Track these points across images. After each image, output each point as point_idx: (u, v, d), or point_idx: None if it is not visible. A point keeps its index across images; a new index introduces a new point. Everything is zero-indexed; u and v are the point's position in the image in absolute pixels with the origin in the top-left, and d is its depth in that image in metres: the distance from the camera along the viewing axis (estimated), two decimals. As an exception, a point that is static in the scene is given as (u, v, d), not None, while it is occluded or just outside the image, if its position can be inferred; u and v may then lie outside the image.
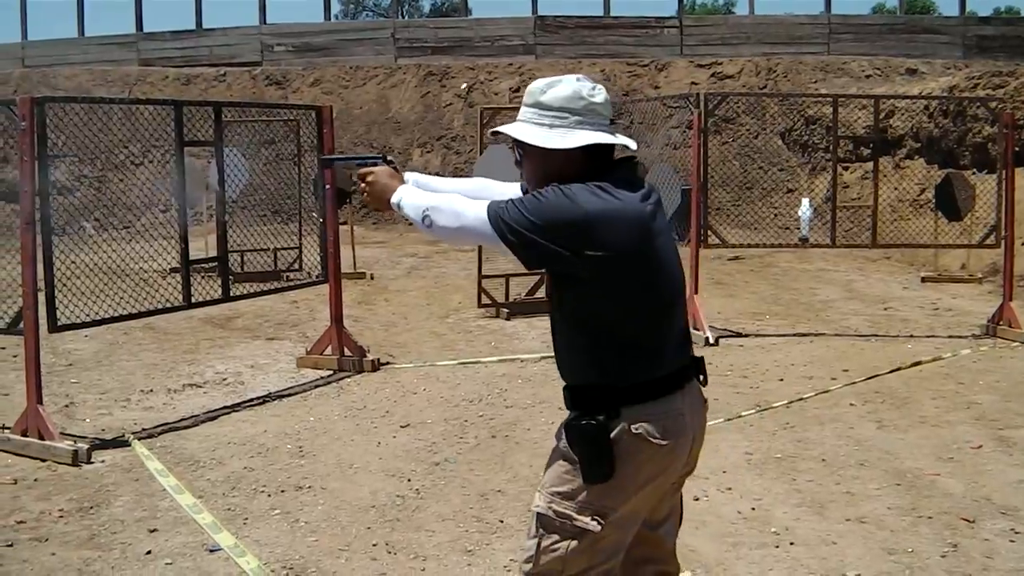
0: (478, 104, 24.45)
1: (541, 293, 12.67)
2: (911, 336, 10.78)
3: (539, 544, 3.06)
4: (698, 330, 10.42)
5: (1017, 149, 12.17)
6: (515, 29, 26.89)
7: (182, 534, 5.44)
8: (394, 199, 3.24)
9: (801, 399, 8.08)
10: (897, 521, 5.52)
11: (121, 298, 7.91)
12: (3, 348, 10.11)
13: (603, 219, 2.89)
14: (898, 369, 9.02)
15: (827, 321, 11.72)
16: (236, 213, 13.48)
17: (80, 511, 5.80)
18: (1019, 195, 11.78)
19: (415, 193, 3.24)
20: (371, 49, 27.01)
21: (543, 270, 3.15)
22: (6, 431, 7.03)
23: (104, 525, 5.58)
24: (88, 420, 7.83)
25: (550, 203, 2.91)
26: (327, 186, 8.93)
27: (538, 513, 3.07)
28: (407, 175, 3.43)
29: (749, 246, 13.78)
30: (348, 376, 9.01)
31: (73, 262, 8.14)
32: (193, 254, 8.15)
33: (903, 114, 19.27)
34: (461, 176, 23.54)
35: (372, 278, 15.08)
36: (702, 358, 3.22)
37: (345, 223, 13.28)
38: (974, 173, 15.75)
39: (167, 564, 5.05)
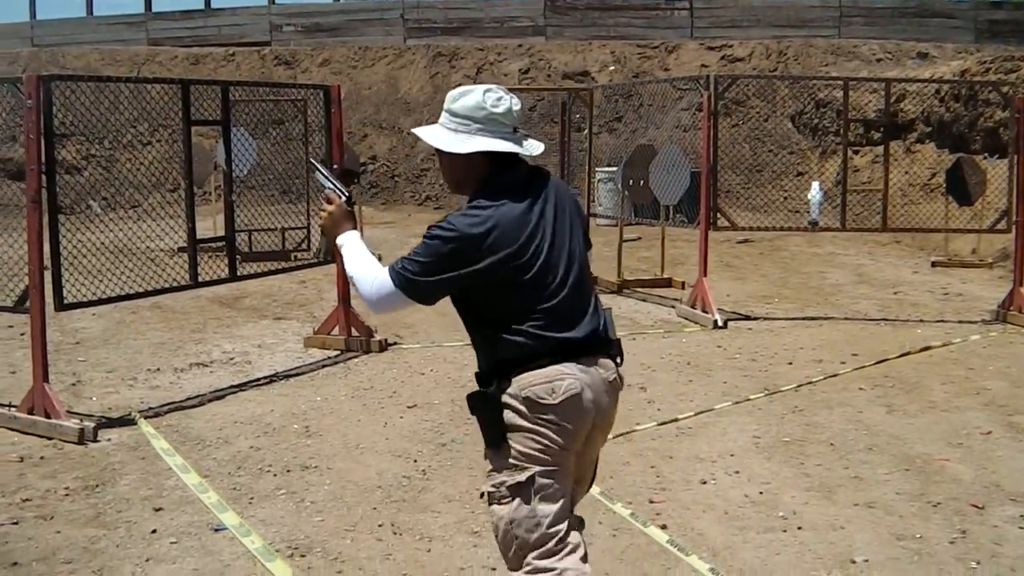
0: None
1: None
2: (921, 321, 10.72)
3: (497, 527, 3.43)
4: (706, 312, 10.39)
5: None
6: (525, 10, 26.75)
7: (187, 513, 5.43)
8: (339, 241, 3.68)
9: (810, 383, 8.04)
10: (906, 506, 5.49)
11: (128, 277, 7.89)
12: (11, 326, 10.11)
13: (481, 233, 3.32)
14: (907, 354, 8.98)
15: (836, 305, 11.67)
16: (244, 193, 13.48)
17: (86, 489, 5.79)
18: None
19: (353, 248, 3.65)
20: (380, 29, 26.92)
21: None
22: (12, 409, 7.02)
23: (110, 504, 5.58)
24: (95, 398, 7.83)
25: (434, 243, 3.36)
26: (335, 166, 8.90)
27: (487, 492, 3.45)
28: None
29: (759, 229, 13.74)
30: (355, 356, 8.99)
31: (80, 241, 8.11)
32: (201, 233, 8.14)
33: (914, 98, 19.11)
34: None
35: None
36: (617, 340, 3.58)
37: (353, 204, 13.22)
38: (985, 158, 15.66)
39: (172, 543, 5.04)
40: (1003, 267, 13.45)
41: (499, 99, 3.45)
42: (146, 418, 7.15)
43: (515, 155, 3.49)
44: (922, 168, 18.32)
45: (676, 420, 7.05)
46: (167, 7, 29.18)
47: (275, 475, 6.03)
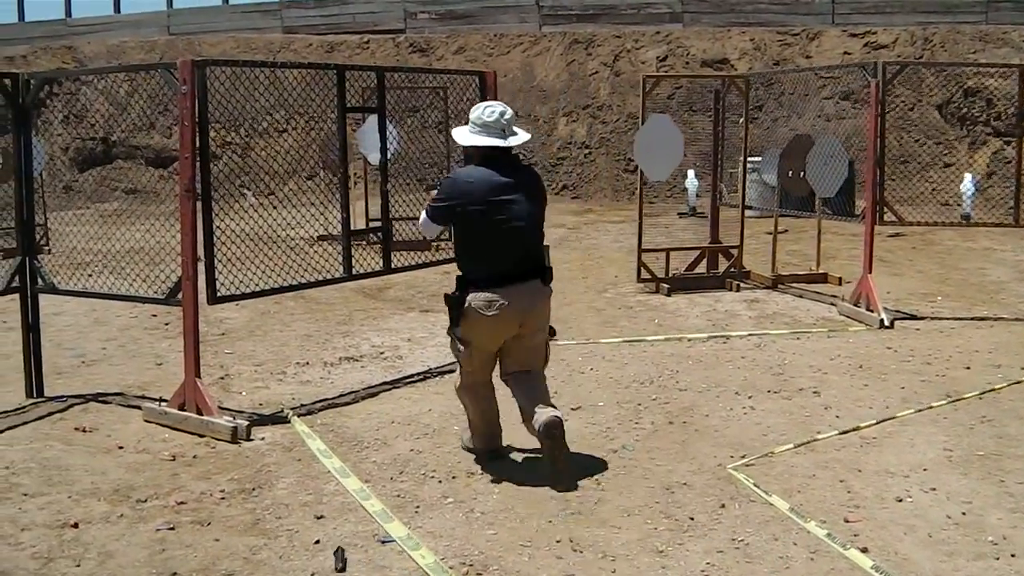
0: (625, 73, 23.92)
1: (702, 268, 12.16)
2: (1102, 322, 9.94)
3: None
4: (871, 311, 9.81)
5: None
6: (662, -5, 26.14)
7: (351, 522, 5.11)
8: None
9: (993, 390, 7.42)
10: None
11: (273, 267, 7.61)
12: (155, 316, 10.00)
13: (463, 182, 5.59)
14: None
15: (1003, 304, 10.89)
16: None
17: (242, 493, 5.52)
18: None
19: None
20: (515, 16, 26.55)
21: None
22: (163, 404, 6.81)
23: (268, 509, 5.29)
24: (244, 393, 7.60)
25: (444, 184, 5.69)
26: None
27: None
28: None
29: (925, 224, 12.92)
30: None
31: (220, 229, 7.87)
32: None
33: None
34: (608, 145, 22.99)
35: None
36: (549, 268, 5.77)
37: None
38: None
39: (338, 556, 4.70)
40: None
41: (493, 112, 5.60)
42: (299, 416, 6.89)
43: (501, 148, 5.61)
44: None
45: (858, 428, 6.54)
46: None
47: (440, 481, 5.67)
